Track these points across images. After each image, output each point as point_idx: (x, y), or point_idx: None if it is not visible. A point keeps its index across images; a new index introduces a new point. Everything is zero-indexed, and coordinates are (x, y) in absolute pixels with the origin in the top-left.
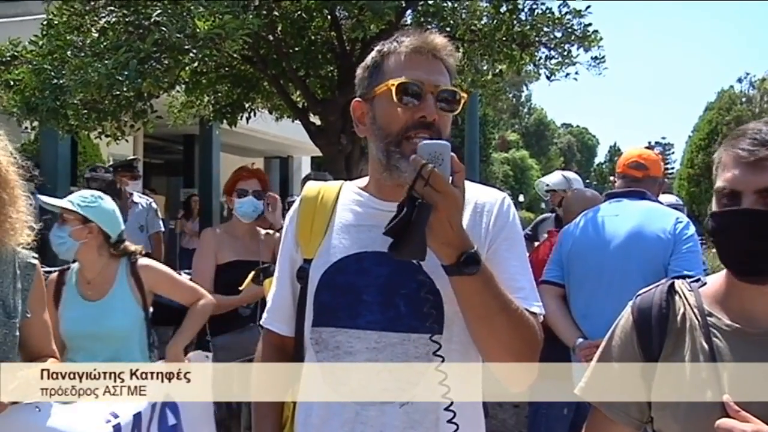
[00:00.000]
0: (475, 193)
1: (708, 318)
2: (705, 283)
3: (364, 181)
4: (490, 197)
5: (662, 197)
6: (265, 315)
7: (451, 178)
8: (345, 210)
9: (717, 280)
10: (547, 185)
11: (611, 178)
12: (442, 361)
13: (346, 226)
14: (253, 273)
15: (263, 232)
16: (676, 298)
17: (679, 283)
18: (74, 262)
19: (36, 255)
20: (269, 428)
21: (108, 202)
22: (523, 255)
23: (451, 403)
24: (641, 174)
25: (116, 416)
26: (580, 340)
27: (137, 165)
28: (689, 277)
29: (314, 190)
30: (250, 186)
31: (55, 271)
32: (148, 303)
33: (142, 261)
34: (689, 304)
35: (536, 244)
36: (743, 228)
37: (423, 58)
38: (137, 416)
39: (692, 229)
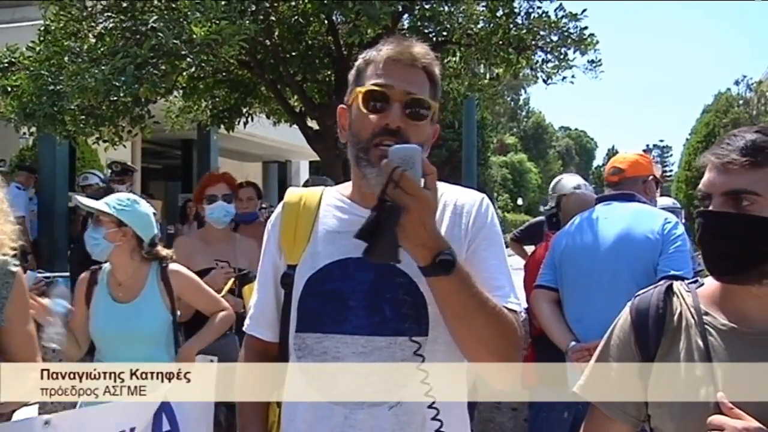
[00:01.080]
0: (455, 195)
1: (704, 317)
2: (702, 284)
3: (347, 187)
4: (469, 198)
5: (659, 200)
6: (247, 321)
7: (423, 180)
8: (328, 216)
9: (714, 280)
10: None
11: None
12: (422, 360)
13: (329, 233)
14: (231, 282)
15: (239, 236)
16: (674, 298)
17: (677, 284)
18: (106, 262)
19: (17, 263)
20: None
21: (143, 207)
22: (502, 254)
23: (434, 402)
24: (617, 178)
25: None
26: (573, 343)
27: (116, 168)
28: (679, 277)
29: (296, 196)
30: (218, 191)
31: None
32: (176, 307)
33: (173, 266)
34: (686, 305)
35: (526, 247)
36: (708, 229)
37: (398, 66)
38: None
39: (681, 229)
